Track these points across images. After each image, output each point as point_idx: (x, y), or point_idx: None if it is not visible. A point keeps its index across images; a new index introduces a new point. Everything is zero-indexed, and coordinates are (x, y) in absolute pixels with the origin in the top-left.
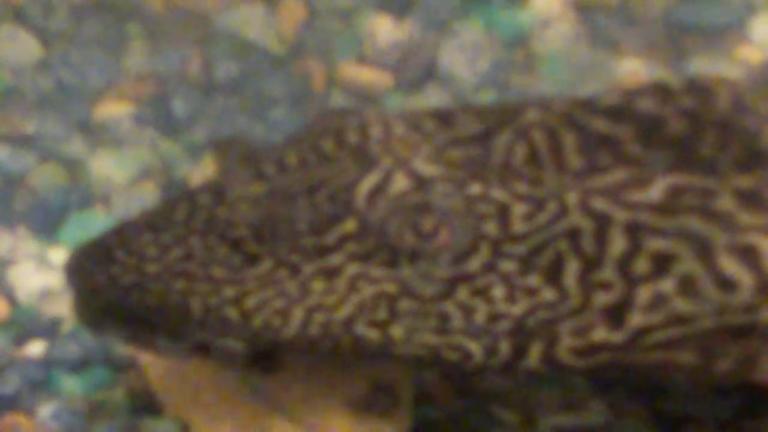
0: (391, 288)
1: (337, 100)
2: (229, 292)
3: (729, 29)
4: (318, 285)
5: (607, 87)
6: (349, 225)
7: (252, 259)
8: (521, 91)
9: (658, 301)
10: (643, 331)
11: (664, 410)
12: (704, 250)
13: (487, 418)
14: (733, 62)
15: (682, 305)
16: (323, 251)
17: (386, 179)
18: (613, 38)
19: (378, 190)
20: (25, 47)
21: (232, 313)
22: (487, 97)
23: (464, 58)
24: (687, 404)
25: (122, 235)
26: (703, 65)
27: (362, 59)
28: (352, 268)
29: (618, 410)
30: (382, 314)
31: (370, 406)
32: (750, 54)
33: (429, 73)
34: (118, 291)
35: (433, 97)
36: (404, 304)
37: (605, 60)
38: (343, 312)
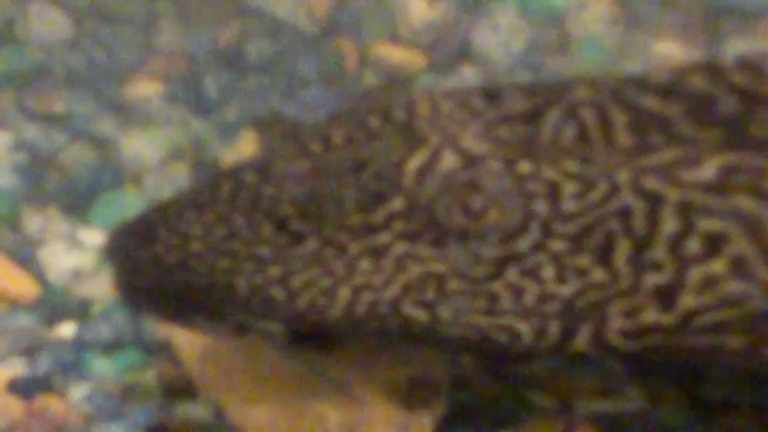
0: (439, 268)
1: (370, 80)
2: (275, 271)
3: (766, 12)
4: (365, 264)
5: (643, 69)
6: (397, 203)
7: (298, 238)
8: (555, 72)
9: (710, 283)
10: (694, 314)
11: (702, 396)
12: (756, 231)
13: (523, 403)
14: None
15: (733, 286)
16: (370, 230)
17: (434, 157)
18: (648, 20)
19: (426, 168)
20: (55, 25)
21: (277, 292)
22: (521, 79)
23: (498, 39)
24: (725, 391)
25: (165, 212)
26: (739, 48)
27: (395, 39)
28: (400, 247)
29: (655, 396)
30: (430, 294)
31: (409, 395)
32: None
33: (462, 54)
34: (161, 270)
35: (466, 79)
36: (452, 284)
37: (641, 42)
38: (391, 292)
